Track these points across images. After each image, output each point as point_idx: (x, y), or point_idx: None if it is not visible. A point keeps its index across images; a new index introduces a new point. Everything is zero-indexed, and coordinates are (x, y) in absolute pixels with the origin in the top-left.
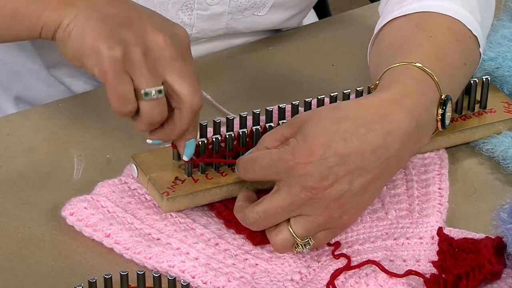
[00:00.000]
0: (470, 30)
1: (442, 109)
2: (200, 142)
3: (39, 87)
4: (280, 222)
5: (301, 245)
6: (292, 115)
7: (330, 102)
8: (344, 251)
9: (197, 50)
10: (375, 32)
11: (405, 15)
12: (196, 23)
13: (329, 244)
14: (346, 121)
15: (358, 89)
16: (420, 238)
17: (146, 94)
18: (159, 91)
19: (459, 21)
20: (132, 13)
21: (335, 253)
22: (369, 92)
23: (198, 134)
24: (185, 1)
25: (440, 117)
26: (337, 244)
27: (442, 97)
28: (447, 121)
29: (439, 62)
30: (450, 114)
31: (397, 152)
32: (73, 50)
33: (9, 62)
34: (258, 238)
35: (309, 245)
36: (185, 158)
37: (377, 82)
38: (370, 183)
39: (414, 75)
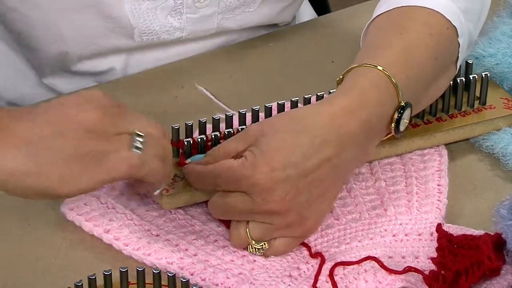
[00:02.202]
0: (449, 21)
1: (398, 115)
2: (199, 139)
3: (33, 93)
4: (239, 219)
5: (254, 248)
6: None
7: None
8: (342, 247)
9: (190, 48)
10: (363, 30)
11: (387, 11)
12: (186, 26)
13: (303, 244)
14: (304, 135)
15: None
16: (419, 235)
17: (136, 148)
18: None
19: (438, 12)
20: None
21: (312, 253)
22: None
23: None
24: (174, 6)
25: (394, 123)
26: (307, 245)
27: (402, 103)
28: (402, 127)
29: (405, 64)
30: (408, 121)
31: (349, 161)
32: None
33: (2, 70)
34: None
35: (263, 250)
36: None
37: (341, 77)
38: (326, 191)
39: (375, 80)
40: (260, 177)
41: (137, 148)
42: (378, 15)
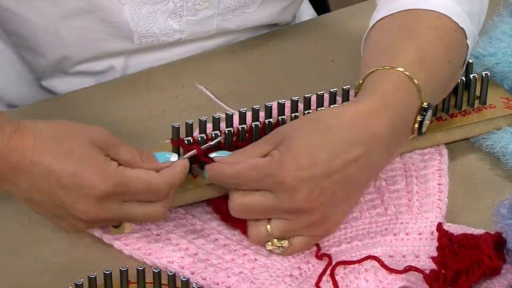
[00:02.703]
0: (457, 23)
1: (421, 116)
2: (199, 138)
3: (31, 95)
4: (260, 218)
5: (274, 245)
6: (292, 111)
7: (330, 98)
8: (343, 247)
9: (191, 51)
10: (365, 34)
11: (390, 14)
12: (186, 28)
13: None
14: (329, 133)
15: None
16: (420, 234)
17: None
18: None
19: (444, 15)
20: (55, 197)
21: (319, 254)
22: (343, 94)
23: (211, 126)
24: (174, 8)
25: (417, 125)
26: (317, 245)
27: (424, 105)
28: (424, 129)
29: (422, 66)
30: (429, 122)
31: (376, 162)
32: None
33: (1, 72)
34: None
35: (283, 248)
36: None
37: (361, 82)
38: (352, 192)
39: (396, 82)
40: (286, 175)
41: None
42: (380, 19)
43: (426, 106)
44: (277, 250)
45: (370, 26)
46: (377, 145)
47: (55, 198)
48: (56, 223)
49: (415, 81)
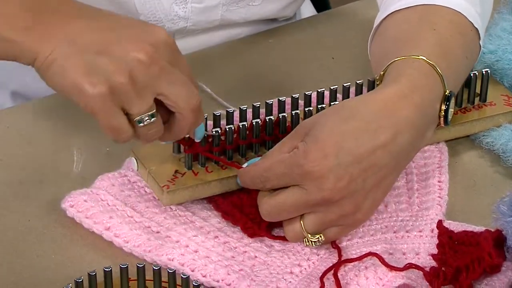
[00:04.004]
0: (472, 23)
1: (446, 105)
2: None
3: (36, 83)
4: (292, 217)
5: (310, 241)
6: (292, 108)
7: (330, 96)
8: (343, 244)
9: (193, 42)
10: (375, 24)
11: (408, 7)
12: (191, 16)
13: None
14: (354, 120)
15: (358, 82)
16: (420, 231)
17: (139, 121)
18: (152, 115)
19: (461, 13)
20: (109, 35)
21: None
22: (369, 86)
23: (211, 123)
24: None
25: (443, 113)
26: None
27: (446, 93)
28: (450, 117)
29: (444, 56)
30: (453, 110)
31: (406, 147)
32: (55, 85)
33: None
34: (251, 230)
35: (319, 242)
36: (197, 140)
37: (382, 73)
38: (382, 179)
39: (421, 69)
40: (312, 164)
41: (140, 121)
42: (395, 11)
43: (449, 95)
44: (313, 245)
45: (381, 19)
46: (405, 129)
47: (111, 35)
48: (83, 80)
49: (438, 69)
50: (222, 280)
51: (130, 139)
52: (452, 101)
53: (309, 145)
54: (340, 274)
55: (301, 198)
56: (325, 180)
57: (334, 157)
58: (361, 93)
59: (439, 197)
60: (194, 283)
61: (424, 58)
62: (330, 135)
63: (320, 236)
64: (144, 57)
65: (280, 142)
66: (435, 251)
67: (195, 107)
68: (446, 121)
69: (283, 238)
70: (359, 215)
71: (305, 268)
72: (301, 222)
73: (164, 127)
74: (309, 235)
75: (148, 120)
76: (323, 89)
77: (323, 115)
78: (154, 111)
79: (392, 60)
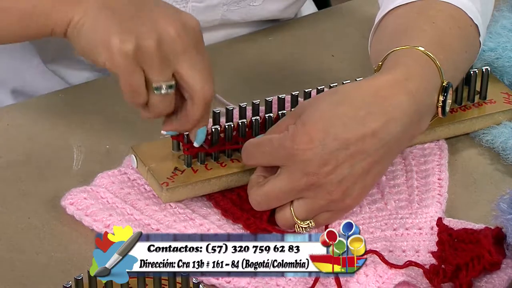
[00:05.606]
0: (471, 19)
1: (443, 95)
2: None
3: (36, 80)
4: (282, 204)
5: (301, 227)
6: (292, 106)
7: None
8: None
9: None
10: (376, 21)
11: (407, 3)
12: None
13: None
14: (344, 105)
15: (357, 79)
16: (420, 229)
17: (157, 88)
18: (170, 86)
19: (460, 9)
20: (142, 4)
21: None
22: None
23: (211, 121)
24: None
25: (440, 103)
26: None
27: (444, 83)
28: (447, 108)
29: (442, 48)
30: (450, 101)
31: (397, 135)
32: (85, 45)
33: (6, 57)
34: (254, 226)
35: (309, 228)
36: (196, 144)
37: (380, 64)
38: (371, 166)
39: (418, 59)
40: (297, 147)
41: (157, 89)
42: (396, 7)
43: (447, 85)
44: (303, 231)
45: (382, 14)
46: (398, 116)
47: (144, 6)
48: (114, 36)
49: (435, 60)
50: (222, 278)
51: (143, 104)
52: (450, 92)
53: (297, 127)
54: None
55: (287, 184)
56: (309, 163)
57: (319, 141)
58: None
59: (439, 194)
60: (194, 281)
61: (422, 49)
62: (319, 119)
63: (310, 222)
64: (172, 31)
65: (280, 120)
66: (435, 248)
67: (207, 96)
68: (443, 112)
69: (286, 231)
70: (348, 201)
71: None
72: (291, 208)
73: (172, 114)
74: (299, 221)
75: (165, 90)
76: (323, 86)
77: (318, 98)
78: (173, 83)
79: (390, 50)
